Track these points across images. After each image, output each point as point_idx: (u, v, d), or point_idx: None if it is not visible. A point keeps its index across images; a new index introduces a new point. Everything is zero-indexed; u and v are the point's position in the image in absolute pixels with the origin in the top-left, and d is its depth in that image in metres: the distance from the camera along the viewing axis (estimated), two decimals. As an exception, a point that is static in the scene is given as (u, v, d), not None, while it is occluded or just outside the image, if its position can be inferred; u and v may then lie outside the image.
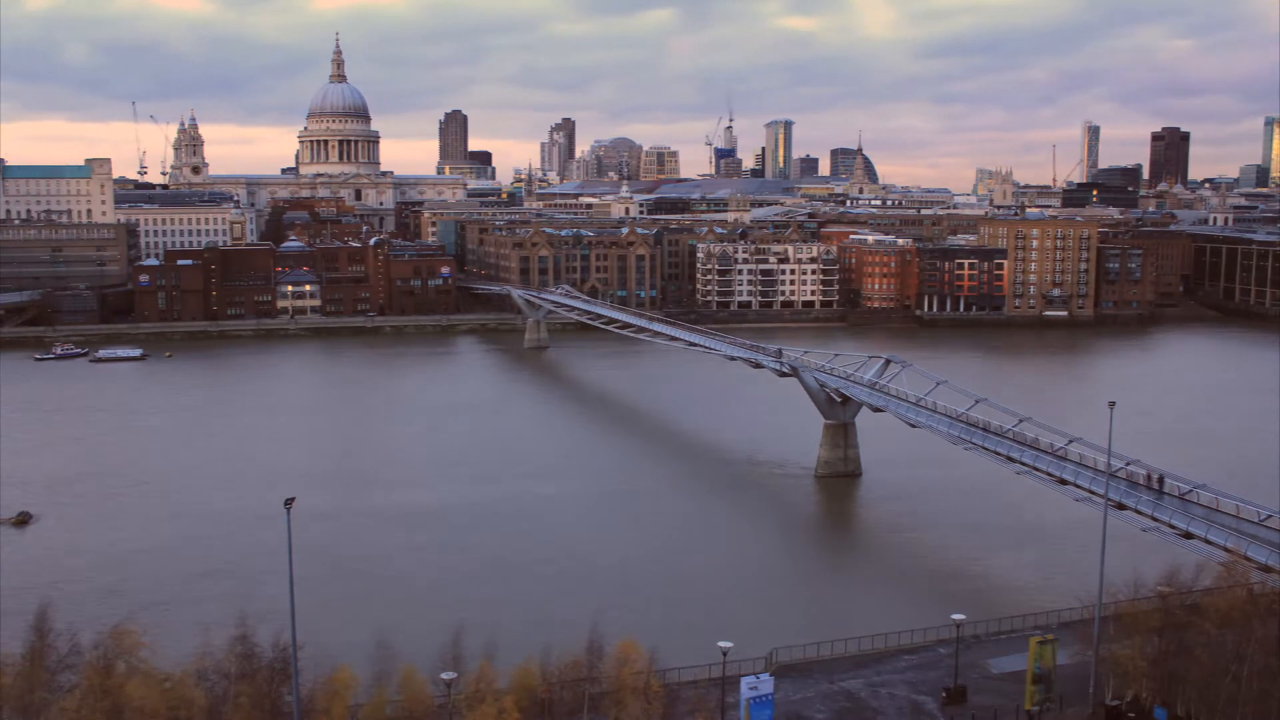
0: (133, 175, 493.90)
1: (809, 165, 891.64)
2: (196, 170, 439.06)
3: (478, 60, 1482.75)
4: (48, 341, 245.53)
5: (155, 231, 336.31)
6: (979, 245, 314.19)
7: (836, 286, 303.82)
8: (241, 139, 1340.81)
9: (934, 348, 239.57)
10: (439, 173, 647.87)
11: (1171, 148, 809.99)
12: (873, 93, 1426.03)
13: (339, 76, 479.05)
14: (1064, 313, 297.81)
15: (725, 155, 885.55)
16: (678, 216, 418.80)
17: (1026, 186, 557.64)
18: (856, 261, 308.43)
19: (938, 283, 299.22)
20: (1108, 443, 78.88)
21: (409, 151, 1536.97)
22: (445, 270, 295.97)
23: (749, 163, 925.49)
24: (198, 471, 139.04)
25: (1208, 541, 76.76)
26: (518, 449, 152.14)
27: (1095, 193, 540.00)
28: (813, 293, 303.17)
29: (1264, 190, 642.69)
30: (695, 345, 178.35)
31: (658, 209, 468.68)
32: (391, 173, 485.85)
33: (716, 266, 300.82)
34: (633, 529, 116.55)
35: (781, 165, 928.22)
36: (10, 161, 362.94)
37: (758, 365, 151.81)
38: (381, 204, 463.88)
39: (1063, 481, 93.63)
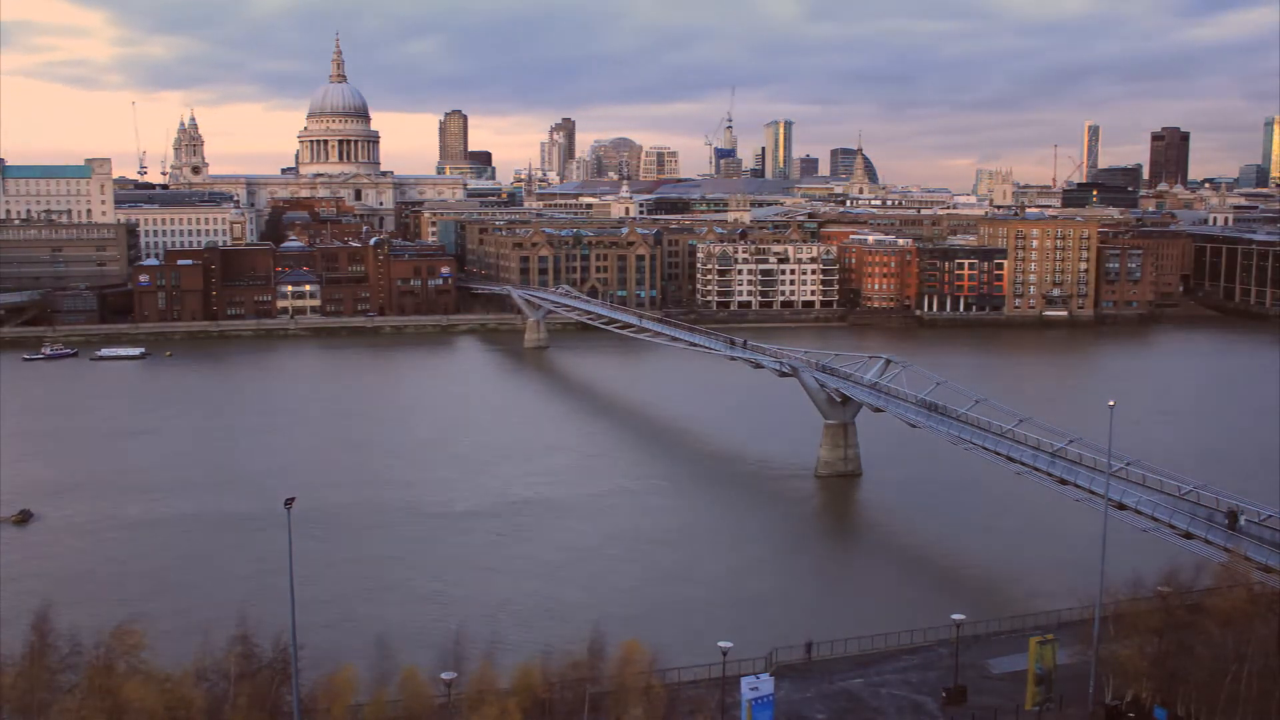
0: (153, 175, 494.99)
1: (809, 165, 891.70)
2: (196, 170, 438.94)
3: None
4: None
5: (155, 231, 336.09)
6: (979, 245, 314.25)
7: (836, 286, 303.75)
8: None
9: (934, 348, 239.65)
10: (439, 172, 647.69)
11: (1171, 148, 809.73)
12: (1158, 90, 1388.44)
13: (339, 76, 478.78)
14: (1064, 313, 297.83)
15: (725, 155, 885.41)
16: (678, 216, 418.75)
17: (1026, 186, 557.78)
18: (856, 261, 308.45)
19: (938, 283, 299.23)
20: (1108, 443, 78.86)
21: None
22: (445, 270, 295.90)
23: (749, 163, 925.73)
24: (198, 470, 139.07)
25: (1208, 542, 76.82)
26: (517, 449, 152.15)
27: (1095, 193, 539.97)
28: (813, 293, 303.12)
29: (1264, 190, 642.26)
30: (695, 345, 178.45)
31: (658, 209, 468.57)
32: (391, 172, 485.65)
33: (716, 266, 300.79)
34: (633, 529, 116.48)
35: (781, 165, 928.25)
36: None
37: (758, 365, 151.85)
38: (381, 204, 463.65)
39: (1062, 481, 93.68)
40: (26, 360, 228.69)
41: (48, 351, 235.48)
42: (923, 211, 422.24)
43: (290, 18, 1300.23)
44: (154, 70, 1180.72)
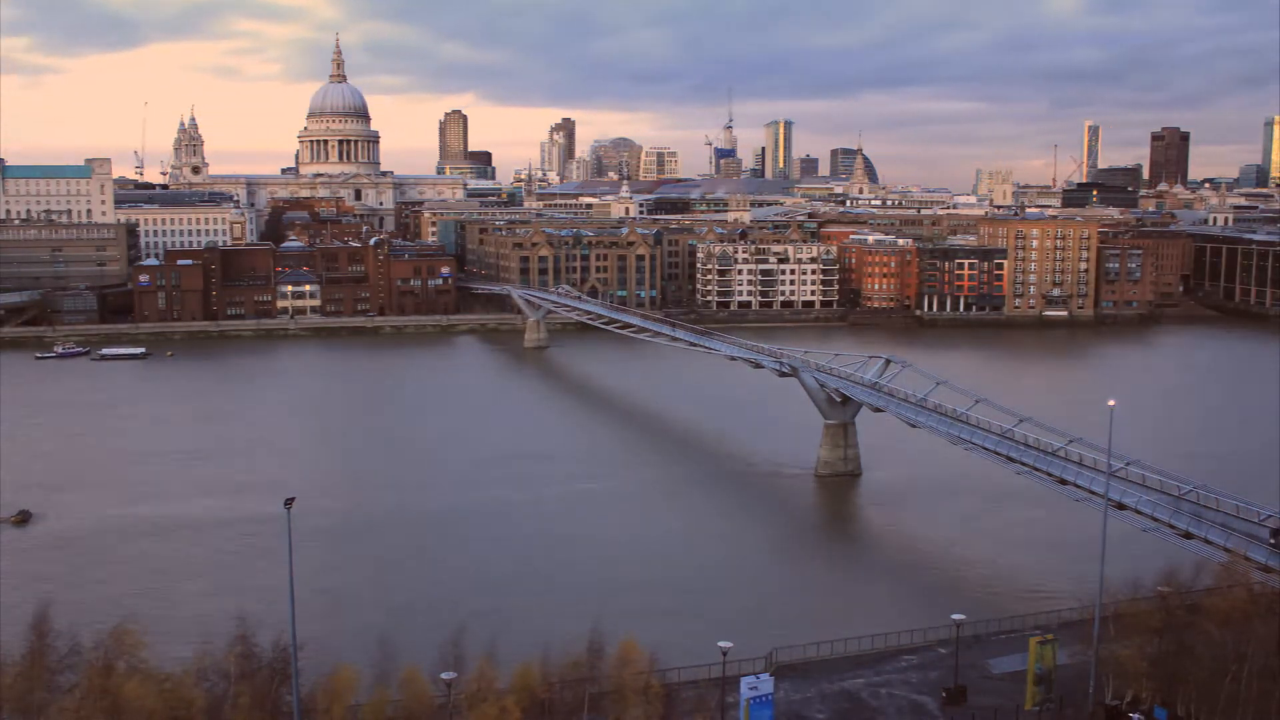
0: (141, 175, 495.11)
1: (809, 165, 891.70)
2: (196, 170, 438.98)
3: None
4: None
5: (155, 231, 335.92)
6: (979, 245, 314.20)
7: (836, 286, 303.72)
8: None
9: (934, 348, 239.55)
10: (439, 172, 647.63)
11: (1171, 148, 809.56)
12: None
13: (339, 76, 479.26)
14: (1064, 313, 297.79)
15: (725, 155, 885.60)
16: (678, 216, 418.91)
17: (1026, 186, 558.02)
18: (856, 261, 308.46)
19: (938, 283, 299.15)
20: (1108, 443, 78.84)
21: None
22: (445, 270, 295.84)
23: (749, 162, 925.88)
24: (198, 471, 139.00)
25: (1208, 541, 76.80)
26: (517, 449, 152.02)
27: (1095, 193, 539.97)
28: (813, 293, 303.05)
29: (1264, 190, 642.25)
30: (695, 345, 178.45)
31: (658, 209, 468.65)
32: (391, 173, 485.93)
33: (716, 266, 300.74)
34: (633, 529, 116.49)
35: (781, 165, 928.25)
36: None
37: (758, 365, 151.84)
38: (381, 204, 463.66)
39: (1063, 481, 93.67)
40: (39, 359, 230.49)
41: (59, 350, 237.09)
42: (923, 211, 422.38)
43: (531, 10, 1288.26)
44: (318, 58, 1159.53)
